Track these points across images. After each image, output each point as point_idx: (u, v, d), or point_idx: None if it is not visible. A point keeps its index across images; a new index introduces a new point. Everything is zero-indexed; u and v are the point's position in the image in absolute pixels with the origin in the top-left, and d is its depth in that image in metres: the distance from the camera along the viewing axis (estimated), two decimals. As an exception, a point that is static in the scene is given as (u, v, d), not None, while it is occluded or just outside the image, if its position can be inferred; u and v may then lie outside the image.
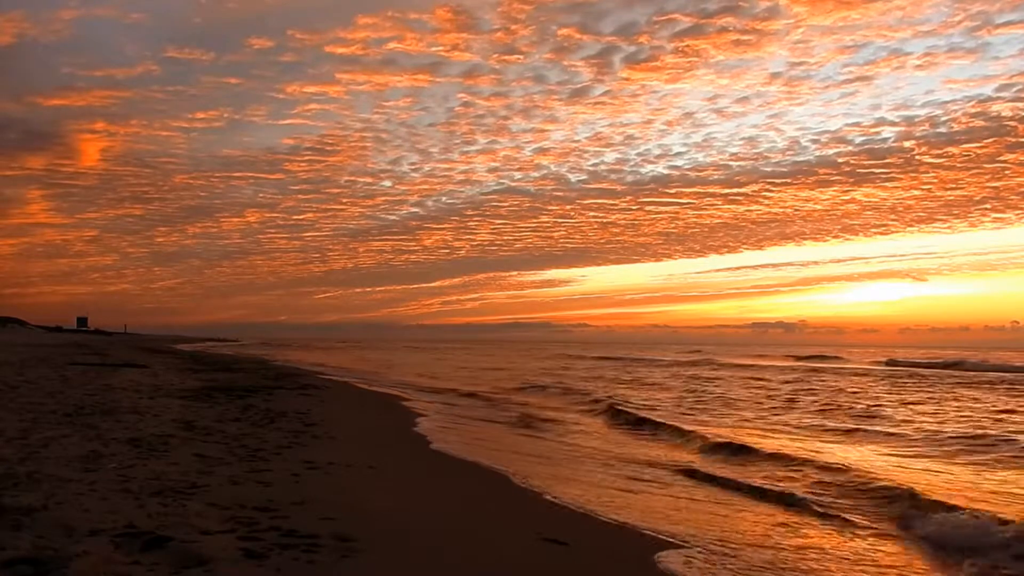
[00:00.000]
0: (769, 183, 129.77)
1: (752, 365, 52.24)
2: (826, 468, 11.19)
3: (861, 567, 6.64)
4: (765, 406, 21.83)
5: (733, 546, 6.90)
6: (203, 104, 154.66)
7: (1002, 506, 8.97)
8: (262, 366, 34.59)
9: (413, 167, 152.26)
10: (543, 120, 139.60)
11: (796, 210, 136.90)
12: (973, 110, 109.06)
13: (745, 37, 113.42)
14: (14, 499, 5.88)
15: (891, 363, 57.00)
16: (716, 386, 30.25)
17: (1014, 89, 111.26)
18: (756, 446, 13.22)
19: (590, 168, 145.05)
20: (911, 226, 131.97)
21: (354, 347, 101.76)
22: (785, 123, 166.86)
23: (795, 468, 11.37)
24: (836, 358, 67.69)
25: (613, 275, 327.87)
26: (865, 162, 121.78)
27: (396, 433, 13.53)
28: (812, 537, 7.60)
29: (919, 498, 9.09)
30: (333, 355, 63.85)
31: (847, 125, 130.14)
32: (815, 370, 45.44)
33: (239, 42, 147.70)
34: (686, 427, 15.98)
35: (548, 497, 8.53)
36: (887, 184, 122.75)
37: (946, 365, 51.51)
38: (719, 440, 13.96)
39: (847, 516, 8.59)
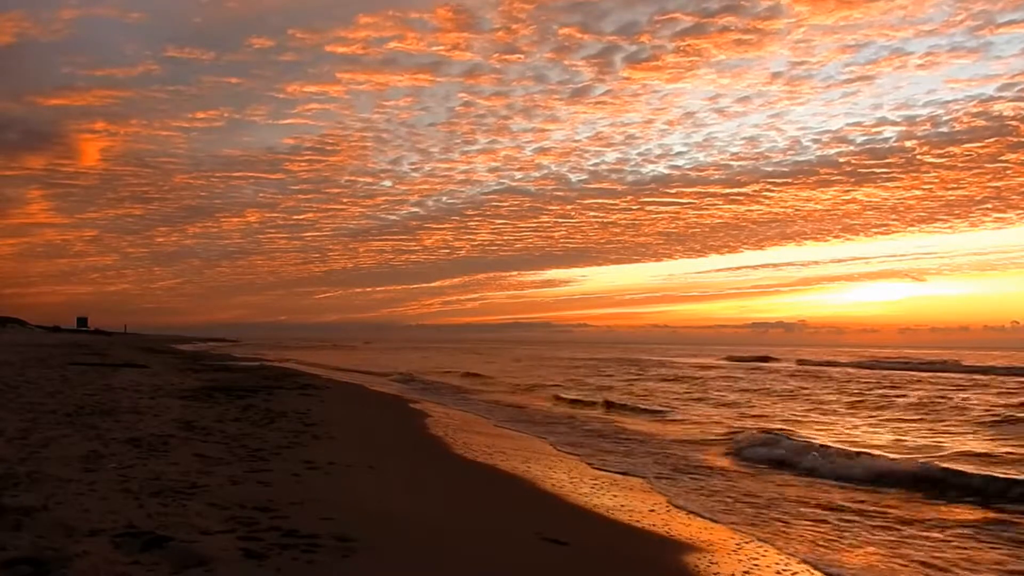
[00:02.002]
0: (770, 183, 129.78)
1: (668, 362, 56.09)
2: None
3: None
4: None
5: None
6: (203, 104, 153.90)
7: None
8: (261, 367, 34.59)
9: (413, 167, 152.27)
10: (544, 120, 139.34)
11: (797, 210, 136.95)
12: (975, 110, 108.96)
13: (746, 36, 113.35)
14: (14, 499, 5.87)
15: (800, 362, 59.36)
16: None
17: (1016, 89, 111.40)
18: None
19: (591, 168, 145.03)
20: (912, 226, 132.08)
21: (317, 348, 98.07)
22: (786, 123, 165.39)
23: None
24: (770, 359, 66.80)
25: (613, 275, 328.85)
26: (866, 162, 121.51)
27: (397, 433, 13.53)
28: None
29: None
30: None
31: (848, 125, 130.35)
32: (711, 367, 48.74)
33: (239, 42, 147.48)
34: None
35: (550, 496, 8.53)
36: (888, 184, 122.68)
37: (859, 365, 52.84)
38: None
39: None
